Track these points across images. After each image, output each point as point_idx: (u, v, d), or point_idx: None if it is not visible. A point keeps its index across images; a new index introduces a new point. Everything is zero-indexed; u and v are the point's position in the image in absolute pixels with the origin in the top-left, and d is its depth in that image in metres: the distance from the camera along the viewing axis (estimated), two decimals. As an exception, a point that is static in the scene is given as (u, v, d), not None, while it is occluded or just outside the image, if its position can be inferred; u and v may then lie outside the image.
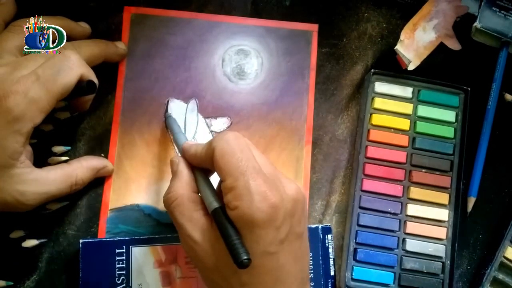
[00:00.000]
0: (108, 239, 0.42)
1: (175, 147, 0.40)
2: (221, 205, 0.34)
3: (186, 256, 0.43)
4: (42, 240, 0.44)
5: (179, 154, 0.40)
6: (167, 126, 0.45)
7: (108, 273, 0.42)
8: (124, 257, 0.42)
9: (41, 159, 0.43)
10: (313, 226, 0.44)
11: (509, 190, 0.48)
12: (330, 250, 0.44)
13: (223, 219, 0.33)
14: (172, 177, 0.38)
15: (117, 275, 0.42)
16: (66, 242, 0.44)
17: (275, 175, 0.35)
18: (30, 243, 0.43)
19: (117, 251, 0.42)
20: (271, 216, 0.32)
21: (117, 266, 0.42)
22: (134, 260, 0.42)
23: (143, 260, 0.42)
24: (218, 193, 0.35)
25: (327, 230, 0.45)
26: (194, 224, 0.35)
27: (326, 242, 0.44)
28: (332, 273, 0.44)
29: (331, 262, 0.44)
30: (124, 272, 0.42)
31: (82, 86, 0.39)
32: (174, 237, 0.43)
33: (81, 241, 0.42)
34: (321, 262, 0.44)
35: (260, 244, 0.32)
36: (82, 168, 0.42)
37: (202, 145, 0.37)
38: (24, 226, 0.44)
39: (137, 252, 0.42)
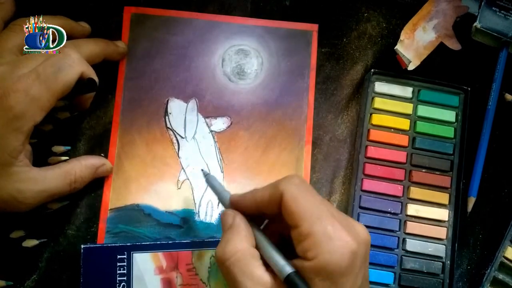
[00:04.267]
0: (109, 245, 0.42)
1: (223, 205, 0.39)
2: (295, 270, 0.31)
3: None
4: (42, 240, 0.44)
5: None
6: (207, 184, 0.42)
7: (109, 279, 0.41)
8: (125, 263, 0.42)
9: (41, 159, 0.43)
10: None
11: (509, 190, 0.48)
12: None
13: (302, 284, 0.31)
14: (227, 230, 0.35)
15: (118, 281, 0.41)
16: (66, 242, 0.44)
17: (344, 217, 0.33)
18: (30, 243, 0.43)
19: (118, 257, 0.42)
20: (352, 263, 0.30)
21: (118, 272, 0.42)
22: (135, 266, 0.42)
23: (144, 266, 0.42)
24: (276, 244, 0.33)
25: None
26: (256, 281, 0.32)
27: None
28: None
29: None
30: (125, 278, 0.42)
31: (82, 84, 0.39)
32: (176, 244, 0.42)
33: (82, 246, 0.41)
34: None
35: None
36: (80, 165, 0.42)
37: (260, 190, 0.35)
38: (24, 226, 0.44)
39: (138, 258, 0.42)
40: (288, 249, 0.33)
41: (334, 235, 0.30)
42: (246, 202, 0.35)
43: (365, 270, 0.33)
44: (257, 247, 0.34)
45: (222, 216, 0.36)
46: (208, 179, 0.41)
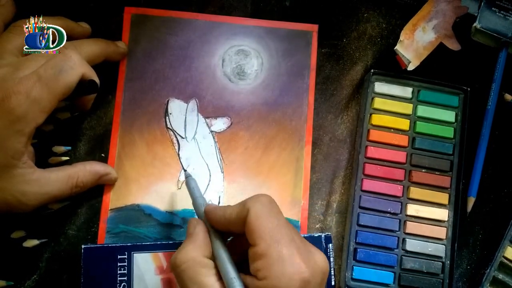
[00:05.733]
0: (110, 245, 0.42)
1: (195, 210, 0.40)
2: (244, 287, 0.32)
3: None
4: (43, 240, 0.44)
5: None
6: (186, 186, 0.43)
7: (110, 279, 0.41)
8: (125, 263, 0.42)
9: (42, 159, 0.43)
10: (316, 235, 0.44)
11: (509, 190, 0.48)
12: (331, 259, 0.44)
13: None
14: (186, 239, 0.36)
15: (118, 281, 0.41)
16: (66, 242, 0.44)
17: (305, 244, 0.34)
18: (31, 243, 0.43)
19: (118, 257, 0.42)
20: None
21: (119, 272, 0.42)
22: (136, 266, 0.42)
23: (145, 266, 0.42)
24: (235, 258, 0.34)
25: (328, 239, 0.44)
26: None
27: (328, 251, 0.44)
28: (333, 283, 0.43)
29: (332, 272, 0.44)
30: (125, 278, 0.42)
31: (83, 85, 0.39)
32: (176, 244, 0.42)
33: (83, 246, 0.41)
34: None
35: None
36: (84, 171, 0.42)
37: (231, 207, 0.35)
38: (25, 226, 0.44)
39: (138, 258, 0.42)
40: (248, 266, 0.33)
41: (287, 260, 0.31)
42: (216, 216, 0.36)
43: None
44: (215, 259, 0.35)
45: (187, 224, 0.37)
46: (189, 182, 0.42)
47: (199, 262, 0.34)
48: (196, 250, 0.34)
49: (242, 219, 0.33)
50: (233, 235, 0.37)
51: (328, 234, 0.44)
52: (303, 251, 0.32)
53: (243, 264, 0.34)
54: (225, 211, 0.35)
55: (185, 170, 0.46)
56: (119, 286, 0.41)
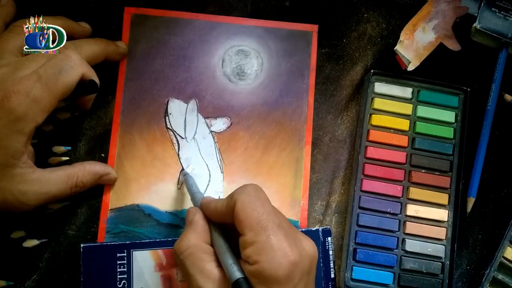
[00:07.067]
0: (109, 243, 0.42)
1: (194, 206, 0.41)
2: (244, 276, 0.33)
3: None
4: (43, 240, 0.44)
5: None
6: (184, 183, 0.44)
7: (109, 277, 0.42)
8: (125, 261, 0.42)
9: (42, 159, 0.43)
10: (314, 228, 0.45)
11: (509, 190, 0.48)
12: (330, 252, 0.44)
13: None
14: (186, 227, 0.38)
15: (118, 279, 0.42)
16: (66, 242, 0.44)
17: (292, 230, 0.35)
18: (31, 243, 0.43)
19: (118, 255, 0.42)
20: (290, 273, 0.32)
21: (118, 270, 0.42)
22: (135, 264, 0.42)
23: (144, 263, 0.42)
24: (232, 248, 0.35)
25: (327, 232, 0.45)
26: (206, 275, 0.34)
27: (327, 244, 0.44)
28: (332, 275, 0.44)
29: (331, 265, 0.44)
30: (125, 276, 0.42)
31: (83, 85, 0.40)
32: (175, 241, 0.42)
33: (82, 245, 0.42)
34: (321, 264, 0.44)
35: None
36: (84, 171, 0.42)
37: (222, 200, 0.37)
38: (24, 226, 0.44)
39: (138, 256, 0.42)
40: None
41: (276, 245, 0.32)
42: (210, 209, 0.37)
43: (308, 283, 0.34)
44: (214, 247, 0.36)
45: (186, 213, 0.39)
46: (187, 179, 0.43)
47: (200, 248, 0.35)
48: (197, 237, 0.36)
49: (231, 209, 0.34)
50: (228, 226, 0.37)
51: (326, 228, 0.45)
52: (290, 236, 0.33)
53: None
54: (217, 203, 0.37)
55: (182, 170, 0.46)
56: (119, 283, 0.42)
